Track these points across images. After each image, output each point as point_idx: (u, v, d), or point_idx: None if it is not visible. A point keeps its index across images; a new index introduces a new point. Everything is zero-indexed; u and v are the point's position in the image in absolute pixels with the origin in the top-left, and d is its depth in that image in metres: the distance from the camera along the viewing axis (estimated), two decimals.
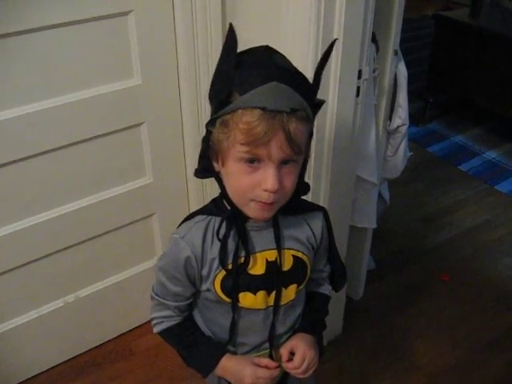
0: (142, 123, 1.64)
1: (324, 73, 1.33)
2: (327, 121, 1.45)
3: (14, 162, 1.47)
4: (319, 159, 1.50)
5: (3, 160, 1.44)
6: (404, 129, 1.80)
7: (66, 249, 1.69)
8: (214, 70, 0.90)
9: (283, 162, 0.88)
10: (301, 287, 1.07)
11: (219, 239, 0.97)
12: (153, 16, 1.50)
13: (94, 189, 1.66)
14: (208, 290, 1.02)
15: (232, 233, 0.98)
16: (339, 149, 1.51)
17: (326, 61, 0.94)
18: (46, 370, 1.86)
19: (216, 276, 0.99)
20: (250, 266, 0.99)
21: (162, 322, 1.09)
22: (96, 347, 1.94)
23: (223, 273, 0.99)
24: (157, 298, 1.08)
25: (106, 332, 1.96)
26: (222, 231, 0.97)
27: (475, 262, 2.39)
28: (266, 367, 1.04)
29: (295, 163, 0.90)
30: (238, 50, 0.87)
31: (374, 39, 1.54)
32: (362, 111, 1.52)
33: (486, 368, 1.90)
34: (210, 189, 1.75)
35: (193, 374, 1.13)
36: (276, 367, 1.04)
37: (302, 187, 1.00)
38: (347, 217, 1.73)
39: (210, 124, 0.90)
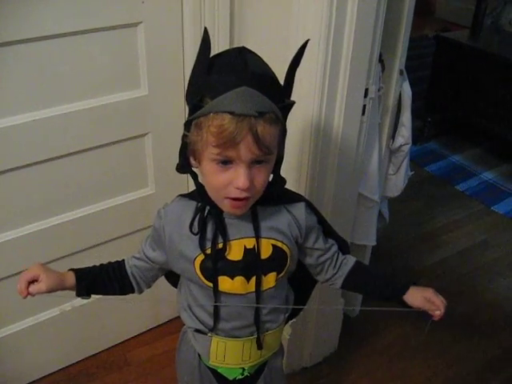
0: (146, 134, 1.64)
1: (331, 90, 1.38)
2: (332, 138, 1.46)
3: (19, 168, 1.46)
4: (323, 175, 1.51)
5: (8, 166, 1.44)
6: (407, 148, 1.81)
7: (65, 257, 1.67)
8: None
9: (255, 162, 0.92)
10: (281, 275, 1.09)
11: (191, 231, 1.02)
12: (162, 28, 1.52)
13: (96, 198, 1.66)
14: (188, 269, 1.06)
15: (210, 220, 1.03)
16: (343, 166, 1.52)
17: (298, 62, 0.98)
18: (40, 378, 1.84)
19: (195, 258, 1.04)
20: (227, 252, 1.03)
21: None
22: (90, 356, 1.92)
23: (202, 256, 1.04)
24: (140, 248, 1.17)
25: (101, 341, 1.94)
26: (196, 219, 1.03)
27: (471, 282, 2.39)
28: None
29: (266, 163, 0.95)
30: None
31: (380, 59, 1.55)
32: (366, 129, 1.54)
33: None
34: None
35: None
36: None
37: (278, 181, 1.05)
38: (348, 234, 1.73)
39: (186, 125, 0.95)
